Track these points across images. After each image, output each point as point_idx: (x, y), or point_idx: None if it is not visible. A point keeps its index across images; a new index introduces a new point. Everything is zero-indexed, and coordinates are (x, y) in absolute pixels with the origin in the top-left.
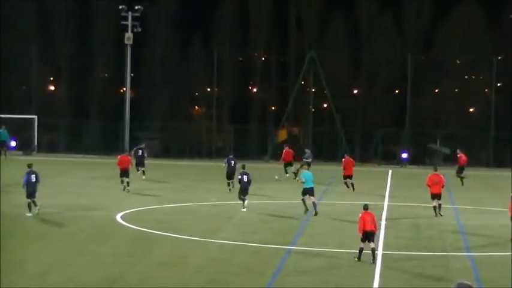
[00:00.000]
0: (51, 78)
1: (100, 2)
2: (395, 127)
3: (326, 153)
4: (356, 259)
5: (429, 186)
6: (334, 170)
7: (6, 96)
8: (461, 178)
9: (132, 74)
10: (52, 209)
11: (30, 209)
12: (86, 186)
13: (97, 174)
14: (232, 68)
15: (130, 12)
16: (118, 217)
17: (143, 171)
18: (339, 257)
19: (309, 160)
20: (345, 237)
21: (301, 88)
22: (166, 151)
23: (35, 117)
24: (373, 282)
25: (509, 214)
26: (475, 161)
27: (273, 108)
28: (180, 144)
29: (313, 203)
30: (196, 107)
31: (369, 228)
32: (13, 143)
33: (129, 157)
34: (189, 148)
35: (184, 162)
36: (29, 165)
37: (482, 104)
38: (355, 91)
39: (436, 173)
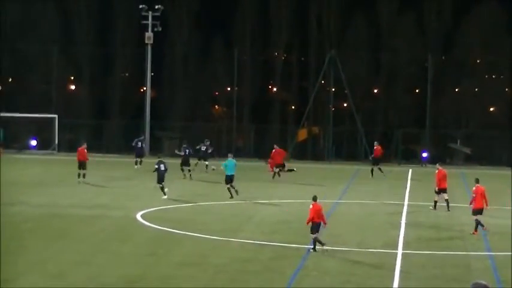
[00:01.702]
0: (72, 78)
1: (121, 1)
2: (415, 127)
3: (346, 152)
4: (312, 250)
5: (439, 180)
6: (355, 169)
7: (27, 96)
8: (379, 169)
9: (152, 74)
10: (73, 209)
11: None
12: (106, 186)
13: (117, 173)
14: (253, 68)
15: (150, 12)
16: (138, 216)
17: (141, 161)
18: (359, 256)
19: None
20: (365, 237)
21: (321, 88)
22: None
23: (56, 116)
24: (392, 282)
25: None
26: (496, 160)
27: (293, 107)
28: (200, 143)
29: (232, 185)
30: (216, 106)
31: (318, 219)
32: (33, 142)
33: None
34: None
35: (205, 162)
36: (159, 156)
37: (503, 104)
38: (376, 91)
39: (441, 168)
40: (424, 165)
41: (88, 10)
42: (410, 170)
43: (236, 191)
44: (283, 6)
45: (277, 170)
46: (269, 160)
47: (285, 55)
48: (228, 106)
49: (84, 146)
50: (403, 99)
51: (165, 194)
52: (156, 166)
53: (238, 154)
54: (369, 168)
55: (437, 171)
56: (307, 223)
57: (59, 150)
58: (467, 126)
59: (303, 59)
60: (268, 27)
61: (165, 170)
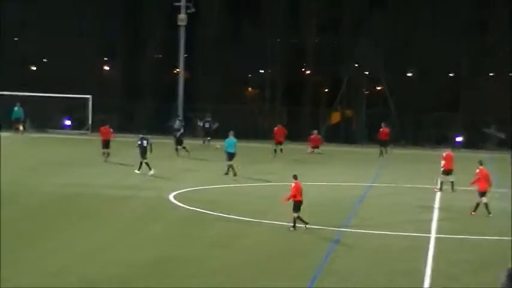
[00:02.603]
0: (106, 59)
1: None
2: (449, 111)
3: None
4: (292, 229)
5: (445, 161)
6: (387, 152)
7: (61, 76)
8: (382, 151)
9: (185, 56)
10: (104, 189)
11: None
12: (138, 166)
13: (149, 154)
14: (286, 50)
15: None
16: (170, 197)
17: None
18: (391, 239)
19: None
20: (397, 220)
21: (354, 71)
22: (219, 132)
23: (90, 97)
24: (425, 265)
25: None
26: None
27: (326, 90)
28: (232, 125)
29: (231, 165)
30: (249, 88)
31: (300, 198)
32: (68, 122)
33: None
34: (241, 129)
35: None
36: (142, 133)
37: None
38: (409, 74)
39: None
40: (457, 150)
41: None
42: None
43: (235, 173)
44: None
45: (278, 147)
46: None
47: (318, 37)
48: (260, 88)
49: (107, 125)
50: (437, 83)
51: (139, 170)
52: (139, 142)
53: (269, 136)
54: (401, 151)
55: (445, 154)
56: (287, 200)
57: (92, 131)
58: (501, 111)
59: (336, 41)
60: (301, 9)
61: (147, 145)
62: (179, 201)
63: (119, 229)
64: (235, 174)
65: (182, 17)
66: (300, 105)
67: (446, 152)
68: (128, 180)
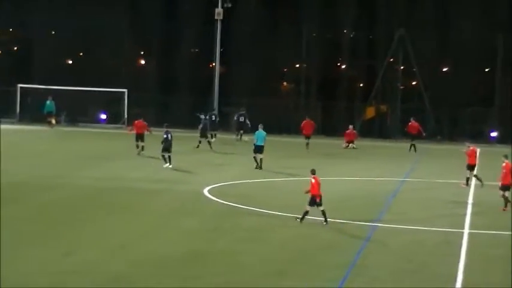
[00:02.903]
0: (142, 53)
1: None
2: (484, 106)
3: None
4: (298, 220)
5: (469, 158)
6: (421, 147)
7: (97, 71)
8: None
9: (221, 50)
10: (139, 182)
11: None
12: (172, 160)
13: (183, 148)
14: (321, 45)
15: None
16: (205, 191)
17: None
18: (423, 235)
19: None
20: (430, 215)
21: (389, 66)
22: (254, 127)
23: (125, 90)
24: (458, 260)
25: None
26: None
27: (361, 85)
28: (267, 119)
29: (260, 159)
30: (284, 83)
31: (318, 192)
32: (103, 116)
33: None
34: (276, 124)
35: (271, 138)
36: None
37: None
38: (444, 69)
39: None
40: (492, 145)
41: None
42: (478, 150)
43: (260, 166)
44: None
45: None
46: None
47: (353, 33)
48: (295, 83)
49: (141, 119)
50: (472, 78)
51: (170, 164)
52: (165, 136)
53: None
54: (436, 147)
55: (468, 149)
56: (306, 192)
57: (128, 124)
58: None
59: (371, 37)
60: (337, 4)
61: (171, 139)
62: (213, 195)
63: (152, 222)
64: (260, 167)
65: (219, 11)
66: (334, 100)
67: (470, 148)
68: (162, 174)
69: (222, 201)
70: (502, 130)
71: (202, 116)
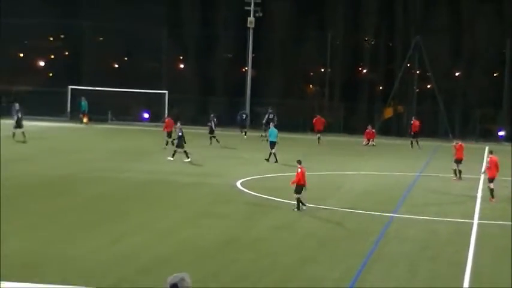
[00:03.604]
0: (181, 57)
1: None
2: (493, 107)
3: (428, 130)
4: (295, 209)
5: (457, 152)
6: (435, 145)
7: (140, 73)
8: (416, 142)
9: (253, 55)
10: (177, 175)
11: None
12: (208, 155)
13: (217, 144)
14: (344, 51)
15: None
16: (238, 184)
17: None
18: (437, 225)
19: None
20: (443, 207)
21: (406, 70)
22: (282, 126)
23: (166, 92)
24: (468, 249)
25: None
26: None
27: (380, 88)
28: (294, 119)
29: (274, 153)
30: (310, 85)
31: (303, 181)
32: (146, 115)
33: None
34: (302, 123)
35: (298, 136)
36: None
37: None
38: (457, 73)
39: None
40: (500, 143)
41: None
42: (487, 148)
43: (276, 160)
44: None
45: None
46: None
47: (373, 40)
48: (320, 85)
49: (170, 117)
50: (482, 81)
51: (188, 157)
52: (180, 133)
53: (328, 129)
54: (449, 144)
55: (457, 145)
56: (292, 183)
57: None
58: None
59: (390, 44)
60: (359, 13)
61: (183, 136)
62: (245, 188)
63: (190, 212)
64: (276, 161)
65: (251, 20)
66: (356, 101)
67: (458, 143)
68: (198, 168)
69: (253, 193)
70: (509, 129)
71: (212, 115)
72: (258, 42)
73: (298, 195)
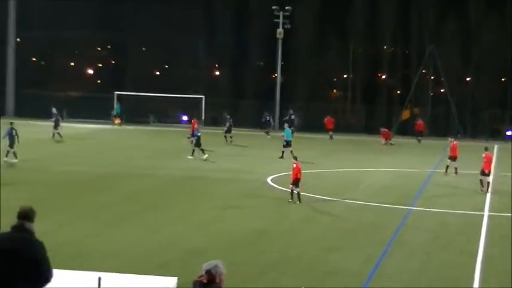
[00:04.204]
0: (216, 65)
1: (257, 3)
2: (500, 109)
3: (440, 130)
4: (290, 200)
5: (451, 150)
6: (447, 144)
7: (179, 79)
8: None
9: (282, 63)
10: (211, 172)
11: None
12: (241, 154)
13: (249, 143)
14: (364, 58)
15: (281, 12)
16: (268, 179)
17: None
18: (450, 216)
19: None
20: (455, 201)
21: (421, 75)
22: (308, 127)
23: (203, 97)
24: (479, 239)
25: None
26: None
27: (397, 92)
28: (319, 121)
29: (291, 151)
30: (334, 90)
31: (300, 176)
32: (184, 118)
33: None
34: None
35: (323, 136)
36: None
37: None
38: (468, 78)
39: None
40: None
41: (230, 9)
42: (495, 146)
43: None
44: (390, 7)
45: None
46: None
47: (391, 48)
48: (343, 90)
49: (195, 118)
50: (491, 86)
51: (204, 154)
52: (199, 134)
53: (350, 130)
54: (459, 143)
55: (451, 143)
56: (293, 178)
57: (204, 125)
58: None
59: (406, 51)
60: (378, 23)
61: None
62: (274, 183)
63: (223, 205)
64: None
65: (280, 31)
66: (376, 104)
67: (453, 142)
68: (230, 165)
69: (282, 188)
70: None
71: (228, 116)
72: (287, 51)
73: (293, 187)
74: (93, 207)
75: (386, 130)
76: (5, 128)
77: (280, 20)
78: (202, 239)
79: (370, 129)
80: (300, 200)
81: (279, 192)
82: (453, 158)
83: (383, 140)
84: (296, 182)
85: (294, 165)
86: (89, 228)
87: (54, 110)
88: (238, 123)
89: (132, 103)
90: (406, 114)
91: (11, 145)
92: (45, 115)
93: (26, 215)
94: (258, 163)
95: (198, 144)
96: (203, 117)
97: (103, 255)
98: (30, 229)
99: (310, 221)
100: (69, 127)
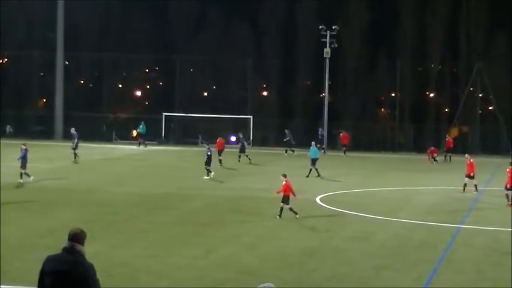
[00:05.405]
0: (264, 85)
1: (304, 23)
2: None
3: (490, 147)
4: (278, 217)
5: (468, 168)
6: (498, 161)
7: (227, 100)
8: (449, 157)
9: (329, 82)
10: (262, 192)
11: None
12: (290, 174)
13: (299, 163)
14: (413, 77)
15: (328, 31)
16: (317, 199)
17: (286, 150)
18: (501, 234)
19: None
20: (507, 218)
21: (469, 93)
22: (357, 146)
23: (251, 117)
24: None
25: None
26: None
27: (446, 110)
28: (368, 140)
29: (316, 168)
30: (382, 109)
31: (289, 192)
32: (233, 138)
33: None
34: (375, 143)
35: (372, 155)
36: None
37: None
38: None
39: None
40: None
41: (277, 30)
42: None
43: (318, 174)
44: (437, 26)
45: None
46: (428, 151)
47: (439, 66)
48: (391, 108)
49: (221, 137)
50: None
51: (208, 176)
52: (209, 153)
53: (400, 149)
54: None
55: (468, 160)
56: (277, 192)
57: (253, 145)
58: None
59: (454, 70)
60: (425, 42)
61: (211, 155)
62: (324, 203)
63: (275, 225)
64: (318, 175)
65: (327, 51)
66: (424, 122)
67: (469, 159)
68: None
69: (331, 208)
70: None
71: (241, 136)
72: (334, 70)
73: (283, 205)
74: (146, 228)
75: (434, 148)
76: (19, 150)
77: (327, 40)
78: (254, 259)
79: (418, 147)
80: (296, 214)
81: (329, 211)
82: (470, 176)
83: (430, 158)
84: (285, 199)
85: (284, 182)
86: (142, 249)
87: (73, 130)
88: (287, 142)
89: (181, 124)
90: (454, 132)
91: (24, 166)
92: (95, 137)
93: (75, 237)
94: (307, 183)
95: (208, 163)
96: (251, 138)
97: (156, 276)
98: (80, 251)
99: (361, 239)
100: (118, 148)
